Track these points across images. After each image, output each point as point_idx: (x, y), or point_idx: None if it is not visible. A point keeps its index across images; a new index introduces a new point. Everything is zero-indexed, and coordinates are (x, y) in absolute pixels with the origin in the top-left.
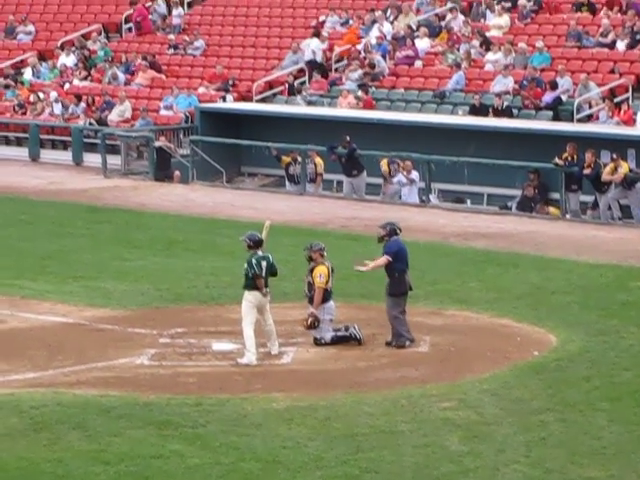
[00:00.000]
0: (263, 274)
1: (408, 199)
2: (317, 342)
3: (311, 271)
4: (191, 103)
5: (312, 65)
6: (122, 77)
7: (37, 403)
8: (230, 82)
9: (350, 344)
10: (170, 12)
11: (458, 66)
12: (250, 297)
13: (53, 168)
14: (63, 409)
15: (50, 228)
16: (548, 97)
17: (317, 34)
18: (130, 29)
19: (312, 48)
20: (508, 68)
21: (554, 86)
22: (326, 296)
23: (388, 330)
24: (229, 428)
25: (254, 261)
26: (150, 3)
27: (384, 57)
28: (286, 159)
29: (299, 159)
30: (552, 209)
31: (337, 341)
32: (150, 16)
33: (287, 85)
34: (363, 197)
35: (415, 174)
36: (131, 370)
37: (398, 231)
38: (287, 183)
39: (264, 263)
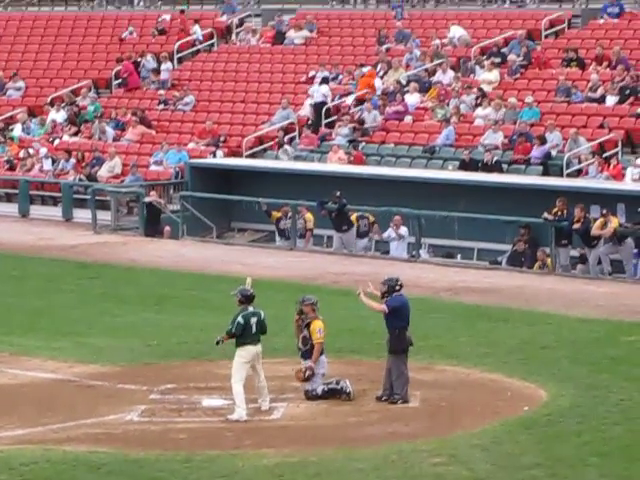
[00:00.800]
0: (253, 331)
1: (397, 254)
2: (308, 395)
3: (307, 326)
4: (181, 159)
5: (319, 108)
6: (111, 132)
7: (27, 460)
8: (220, 138)
9: (341, 400)
10: (159, 67)
11: (447, 121)
12: (243, 353)
13: (43, 224)
14: (53, 466)
15: (40, 284)
16: (537, 152)
17: (326, 81)
18: (120, 84)
19: (322, 92)
20: (498, 123)
21: (543, 141)
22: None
23: (378, 385)
24: None
25: (239, 319)
26: (140, 58)
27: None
28: (276, 214)
29: (290, 214)
30: (549, 260)
31: (328, 394)
32: (140, 71)
33: (277, 140)
34: (353, 252)
35: (404, 229)
36: (121, 426)
37: (398, 287)
38: (277, 237)
39: (254, 319)
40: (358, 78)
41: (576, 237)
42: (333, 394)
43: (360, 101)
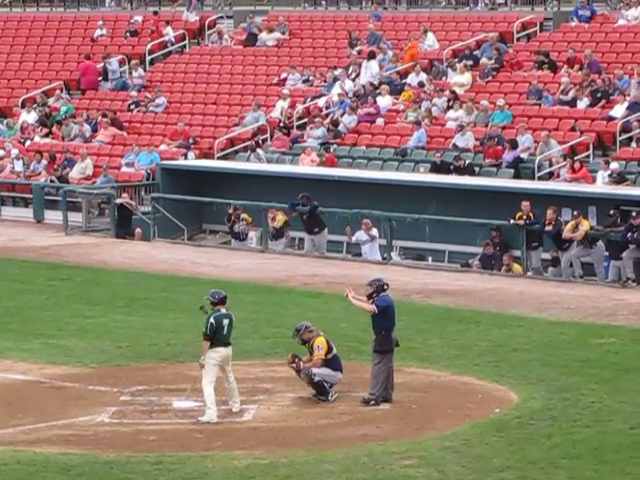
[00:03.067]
0: (224, 332)
1: (369, 256)
2: (306, 372)
3: (311, 346)
4: (153, 160)
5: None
6: (88, 129)
7: None
8: (192, 140)
9: (312, 401)
10: (130, 72)
11: (419, 124)
12: (214, 355)
13: (14, 225)
14: (23, 467)
15: (10, 285)
16: (509, 156)
17: (373, 56)
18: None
19: (372, 70)
20: (469, 125)
21: (514, 144)
22: (332, 365)
23: (349, 387)
24: None
25: (211, 320)
26: (105, 60)
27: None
28: (248, 218)
29: (242, 215)
30: (516, 266)
31: (317, 386)
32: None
33: (250, 145)
34: (324, 254)
35: (375, 231)
36: (91, 428)
37: (385, 287)
38: (233, 241)
39: (226, 321)
40: (405, 50)
41: (547, 240)
42: (319, 390)
43: (405, 74)
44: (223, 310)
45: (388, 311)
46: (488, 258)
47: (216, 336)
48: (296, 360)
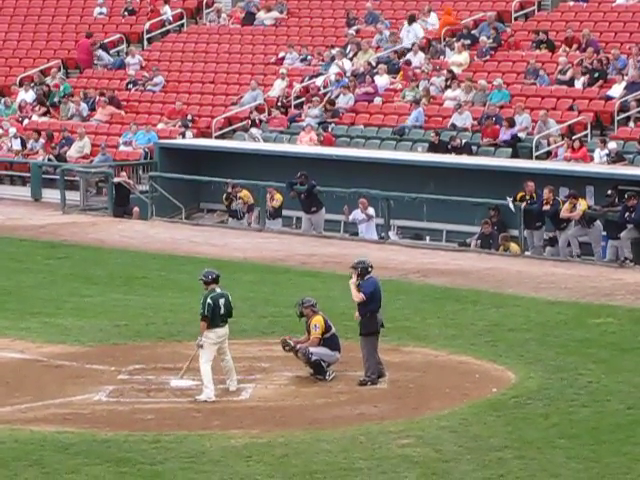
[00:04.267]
0: (221, 312)
1: (366, 235)
2: (303, 351)
3: (308, 325)
4: (150, 139)
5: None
6: (85, 108)
7: None
8: (189, 118)
9: (309, 381)
10: (127, 54)
11: (417, 103)
12: (211, 335)
13: (11, 204)
14: (20, 446)
15: (8, 264)
16: (505, 135)
17: (413, 19)
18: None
19: (416, 33)
20: (467, 105)
21: (512, 123)
22: (330, 345)
23: (347, 367)
24: (187, 465)
25: (208, 300)
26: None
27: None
28: (245, 197)
29: (239, 194)
30: (513, 245)
31: (314, 365)
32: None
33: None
34: (322, 234)
35: (372, 210)
36: (89, 407)
37: (370, 269)
38: (230, 219)
39: (222, 301)
40: (442, 16)
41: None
42: (317, 369)
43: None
44: (218, 289)
45: (374, 294)
46: (486, 237)
47: (213, 316)
48: (288, 344)
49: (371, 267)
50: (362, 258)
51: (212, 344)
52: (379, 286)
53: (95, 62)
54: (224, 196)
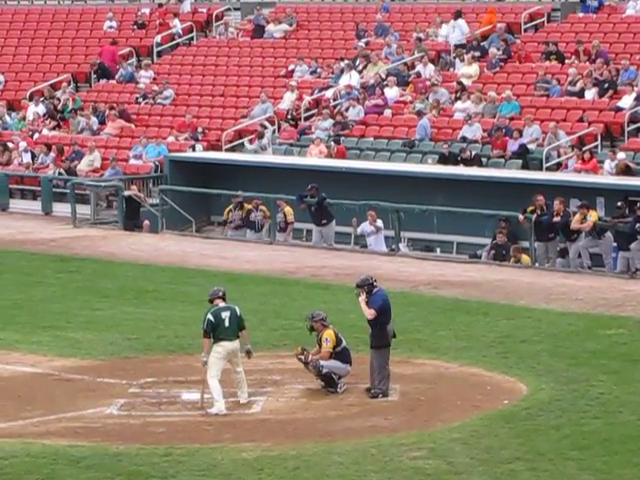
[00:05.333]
0: (226, 325)
1: (375, 247)
2: (314, 364)
3: (319, 339)
4: (160, 152)
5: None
6: (95, 122)
7: (6, 454)
8: (200, 131)
9: (320, 393)
10: (138, 67)
11: (420, 114)
12: (218, 349)
13: (22, 218)
14: (32, 460)
15: (19, 278)
16: (514, 145)
17: (460, 14)
18: (99, 79)
19: (462, 29)
20: (477, 117)
21: (520, 133)
22: (341, 358)
23: (357, 379)
24: (199, 478)
25: (208, 316)
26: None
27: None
28: (247, 206)
29: (261, 206)
30: (524, 257)
31: (325, 378)
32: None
33: (258, 134)
34: (332, 246)
35: (380, 222)
36: (100, 420)
37: (375, 283)
38: (247, 231)
39: (225, 314)
40: (486, 16)
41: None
42: (328, 382)
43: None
44: (222, 304)
45: (384, 308)
46: (499, 247)
47: (217, 330)
48: (305, 352)
49: (375, 281)
50: (364, 275)
51: (219, 358)
52: (387, 298)
53: (121, 70)
54: (237, 205)
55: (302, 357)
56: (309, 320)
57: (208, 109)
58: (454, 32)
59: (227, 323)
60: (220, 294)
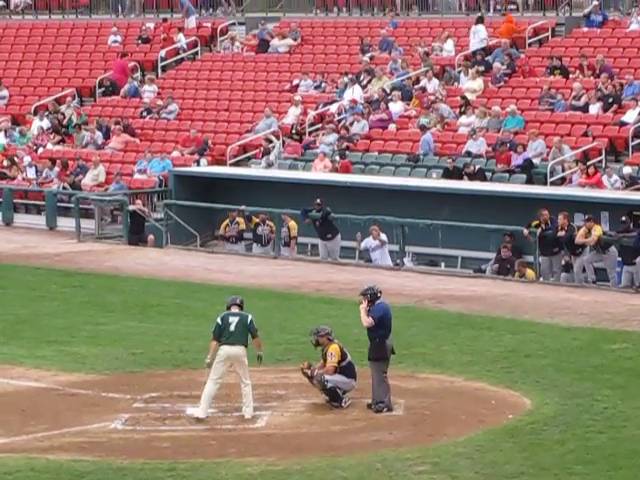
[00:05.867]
0: (230, 329)
1: (380, 262)
2: (318, 379)
3: (325, 354)
4: (165, 167)
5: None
6: (100, 136)
7: (10, 469)
8: (207, 144)
9: (325, 408)
10: (142, 81)
11: (424, 128)
12: (219, 352)
13: (27, 232)
14: (36, 474)
15: (23, 292)
16: (518, 160)
17: (481, 19)
18: (104, 92)
19: (481, 36)
20: (482, 131)
21: (525, 149)
22: (346, 373)
23: (362, 393)
24: None
25: (217, 319)
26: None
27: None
28: (255, 219)
29: (268, 221)
30: (529, 271)
31: (330, 392)
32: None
33: (263, 150)
34: (338, 260)
35: (384, 236)
36: (105, 435)
37: (379, 294)
38: (254, 245)
39: (234, 319)
40: (504, 23)
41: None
42: (332, 396)
43: (492, 49)
44: (235, 310)
45: (384, 319)
46: (504, 262)
47: (221, 334)
48: (311, 367)
49: (380, 293)
50: (371, 284)
51: (219, 362)
52: (389, 312)
53: (131, 83)
54: (229, 219)
55: (308, 371)
56: (314, 335)
57: (213, 124)
58: (474, 38)
59: (232, 328)
60: (237, 302)
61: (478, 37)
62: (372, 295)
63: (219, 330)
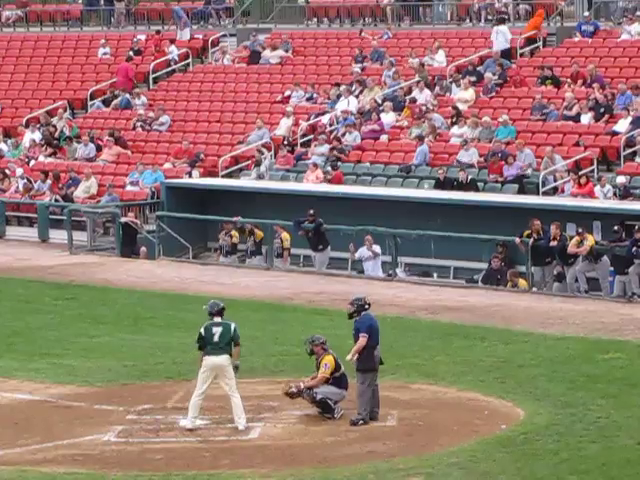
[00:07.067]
0: (214, 340)
1: (372, 273)
2: (308, 393)
3: (319, 363)
4: (157, 179)
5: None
6: (92, 148)
7: None
8: (200, 157)
9: (318, 419)
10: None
11: (421, 139)
12: (204, 362)
13: (19, 245)
14: None
15: (16, 305)
16: (510, 170)
17: (502, 20)
18: (103, 102)
19: (505, 36)
20: (473, 141)
21: (513, 161)
22: (339, 384)
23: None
24: None
25: (200, 329)
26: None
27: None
28: (260, 233)
29: (283, 234)
30: (521, 281)
31: (321, 404)
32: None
33: (255, 160)
34: (325, 272)
35: (378, 248)
36: (98, 447)
37: (367, 306)
38: (258, 258)
39: (217, 329)
40: (529, 21)
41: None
42: (324, 408)
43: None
44: (217, 319)
45: (371, 331)
46: (494, 272)
47: (205, 344)
48: (292, 392)
49: (368, 305)
50: (360, 295)
51: (204, 372)
52: (375, 322)
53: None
54: (224, 232)
55: (293, 390)
56: (309, 343)
57: (204, 135)
58: (497, 38)
59: (216, 338)
60: (216, 310)
61: (503, 37)
62: (359, 306)
63: (203, 341)
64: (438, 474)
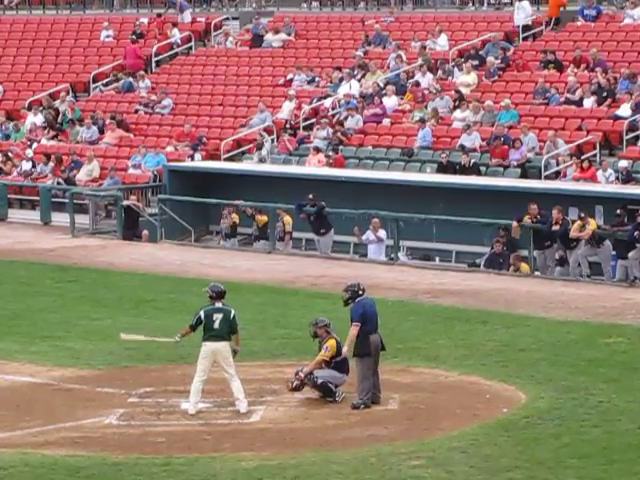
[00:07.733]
0: (215, 326)
1: (375, 257)
2: (308, 378)
3: (321, 346)
4: (159, 162)
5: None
6: (95, 131)
7: (5, 464)
8: (202, 139)
9: (319, 402)
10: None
11: (424, 122)
12: (203, 349)
13: (21, 228)
14: (31, 470)
15: (18, 288)
16: (516, 154)
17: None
18: (104, 85)
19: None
20: (476, 125)
21: (520, 144)
22: (340, 368)
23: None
24: None
25: (200, 313)
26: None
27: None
28: (261, 219)
29: (285, 217)
30: (523, 265)
31: (322, 388)
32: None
33: (257, 144)
34: (329, 255)
35: (383, 232)
36: (99, 430)
37: (361, 292)
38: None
39: (218, 315)
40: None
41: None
42: (325, 391)
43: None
44: (219, 304)
45: (366, 316)
46: (497, 257)
47: (205, 329)
48: (297, 386)
49: (362, 291)
50: (354, 281)
51: (204, 357)
52: (370, 307)
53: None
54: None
55: (297, 383)
56: (313, 326)
57: (207, 118)
58: (518, 13)
59: (217, 325)
60: (219, 293)
61: (523, 13)
62: (353, 292)
63: (198, 324)
64: (439, 458)
